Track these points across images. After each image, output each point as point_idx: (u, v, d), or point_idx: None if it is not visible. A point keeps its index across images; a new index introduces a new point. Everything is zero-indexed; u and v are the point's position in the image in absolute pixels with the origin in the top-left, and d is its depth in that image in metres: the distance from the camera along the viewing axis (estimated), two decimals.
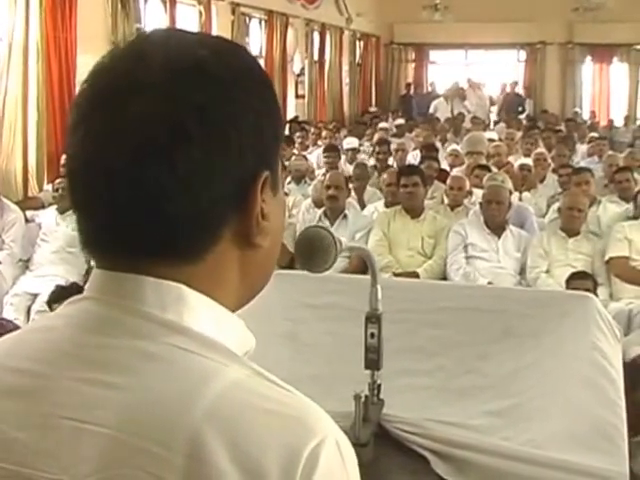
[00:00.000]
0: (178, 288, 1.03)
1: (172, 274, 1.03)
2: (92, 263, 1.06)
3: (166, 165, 0.99)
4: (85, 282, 1.10)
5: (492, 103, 23.52)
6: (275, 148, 1.11)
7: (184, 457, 0.91)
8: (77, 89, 1.08)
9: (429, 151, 11.10)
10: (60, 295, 5.81)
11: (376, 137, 14.20)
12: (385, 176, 8.71)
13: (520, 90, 24.44)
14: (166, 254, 1.02)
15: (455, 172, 9.65)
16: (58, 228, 7.54)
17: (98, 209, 1.03)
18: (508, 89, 23.72)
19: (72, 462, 0.96)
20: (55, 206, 7.80)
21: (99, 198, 1.02)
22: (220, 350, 1.01)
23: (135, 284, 1.03)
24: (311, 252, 2.21)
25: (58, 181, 7.84)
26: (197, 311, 1.04)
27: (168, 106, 1.00)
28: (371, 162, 11.41)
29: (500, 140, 12.44)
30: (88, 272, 6.92)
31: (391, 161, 11.48)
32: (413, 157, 11.85)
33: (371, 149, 12.87)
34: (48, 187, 8.87)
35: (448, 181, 8.49)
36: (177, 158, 0.99)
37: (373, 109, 22.78)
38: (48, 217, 7.79)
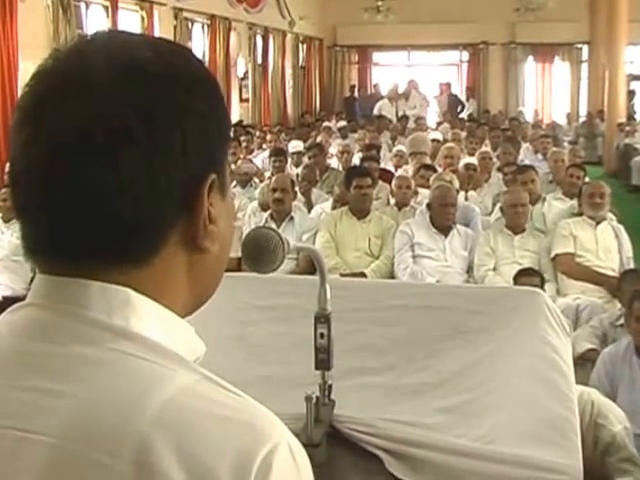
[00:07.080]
0: (124, 292, 1.00)
1: (118, 278, 1.00)
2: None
3: (106, 166, 0.96)
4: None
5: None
6: (222, 150, 1.09)
7: (131, 464, 0.88)
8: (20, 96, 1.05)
9: (370, 152, 11.13)
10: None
11: (319, 138, 14.25)
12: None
13: (463, 91, 24.66)
14: (111, 258, 0.99)
15: (400, 172, 9.69)
16: (2, 237, 7.45)
17: (39, 213, 1.00)
18: (442, 91, 23.90)
19: (12, 473, 0.93)
20: None
21: (39, 202, 0.99)
22: (168, 355, 0.98)
23: (79, 289, 1.00)
24: (258, 253, 2.19)
25: (3, 191, 7.74)
26: (144, 316, 1.01)
27: (108, 106, 0.97)
28: None
29: (445, 141, 12.51)
30: (33, 281, 6.77)
31: (335, 163, 11.48)
32: (359, 159, 11.85)
33: None
34: None
35: (395, 181, 8.50)
36: (118, 159, 0.96)
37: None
38: None
